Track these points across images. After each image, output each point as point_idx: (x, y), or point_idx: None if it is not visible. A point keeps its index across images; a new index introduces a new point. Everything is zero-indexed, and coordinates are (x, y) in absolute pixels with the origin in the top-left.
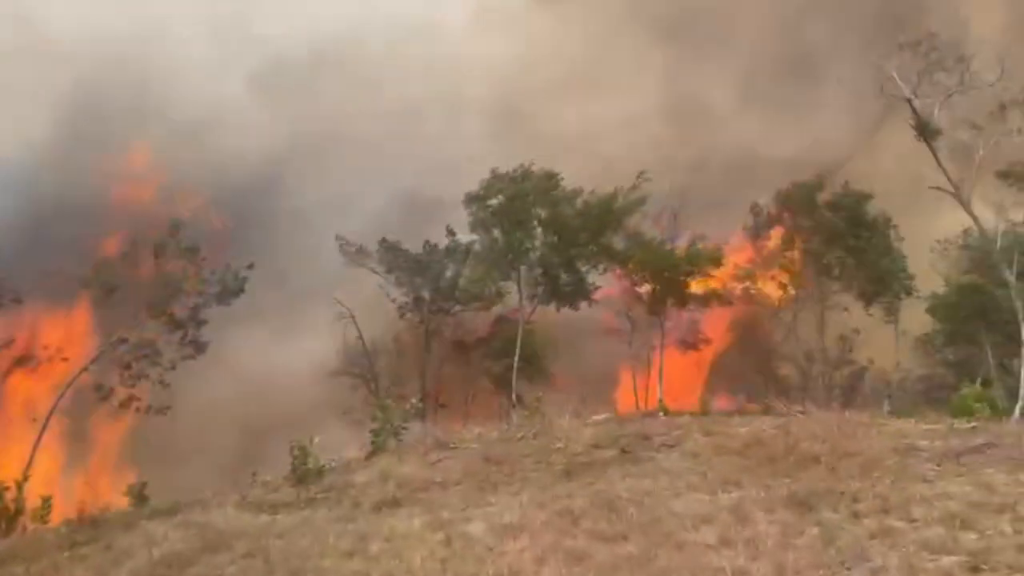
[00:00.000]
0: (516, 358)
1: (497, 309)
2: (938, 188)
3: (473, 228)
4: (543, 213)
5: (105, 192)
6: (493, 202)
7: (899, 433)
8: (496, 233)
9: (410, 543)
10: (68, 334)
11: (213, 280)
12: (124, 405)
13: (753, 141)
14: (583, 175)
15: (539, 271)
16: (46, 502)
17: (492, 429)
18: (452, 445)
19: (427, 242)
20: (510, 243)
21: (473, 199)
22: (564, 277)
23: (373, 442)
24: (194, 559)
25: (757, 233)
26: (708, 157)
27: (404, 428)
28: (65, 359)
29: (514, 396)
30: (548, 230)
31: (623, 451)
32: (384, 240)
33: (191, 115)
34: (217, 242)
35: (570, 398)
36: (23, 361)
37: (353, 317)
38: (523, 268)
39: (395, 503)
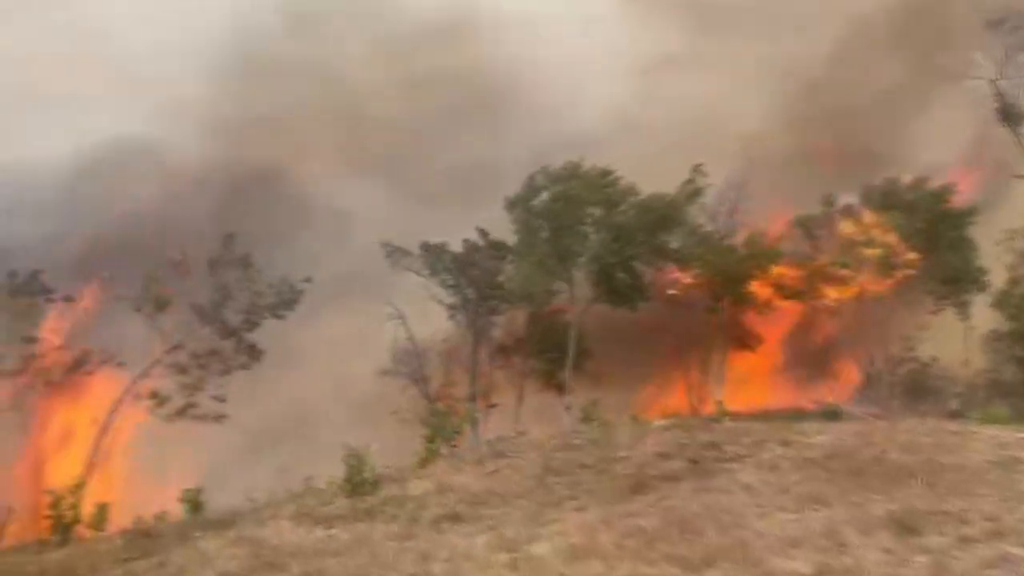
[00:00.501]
0: (570, 359)
1: (544, 308)
2: (1022, 176)
3: (518, 232)
4: (597, 212)
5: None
6: (540, 200)
7: (995, 442)
8: (543, 234)
9: (474, 565)
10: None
11: (270, 293)
12: (181, 412)
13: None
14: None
15: (595, 269)
16: (101, 510)
17: (549, 435)
18: (508, 453)
19: (466, 241)
20: (558, 244)
21: (515, 203)
22: (621, 277)
23: (427, 449)
24: None
25: (827, 225)
26: (768, 147)
27: (458, 434)
28: (121, 364)
29: (567, 399)
30: (602, 229)
31: (692, 462)
32: (425, 243)
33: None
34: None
35: (621, 399)
36: (79, 365)
37: (403, 318)
38: (574, 268)
39: (455, 518)
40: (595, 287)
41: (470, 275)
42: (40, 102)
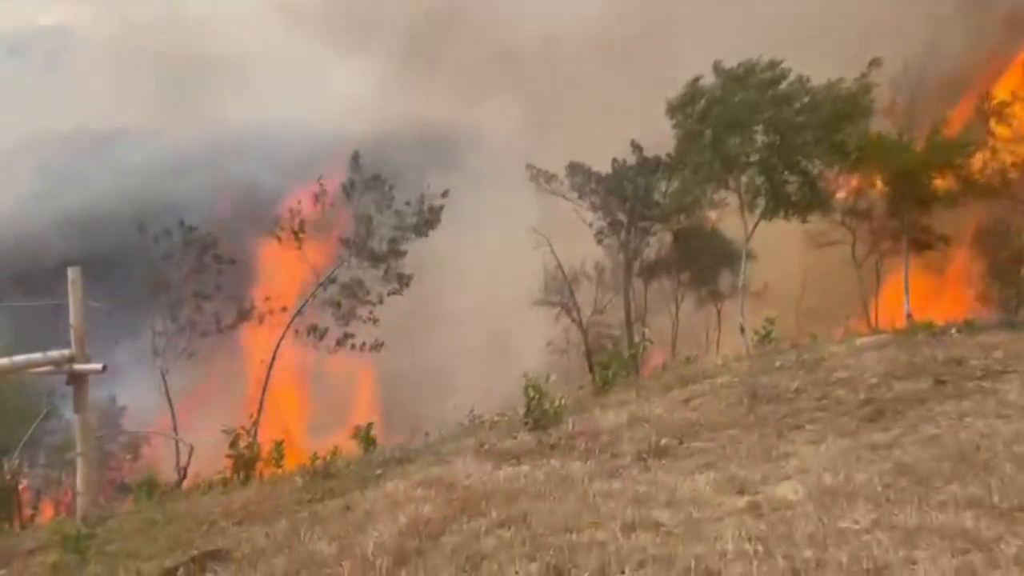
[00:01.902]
0: (743, 275)
1: (702, 222)
2: None
3: (680, 142)
4: (768, 113)
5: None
6: (704, 103)
7: None
8: (705, 140)
9: (708, 511)
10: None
11: (408, 212)
12: (340, 343)
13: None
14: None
15: (760, 179)
16: (278, 447)
17: (734, 358)
18: (697, 379)
19: (615, 160)
20: (721, 148)
21: (676, 108)
22: (792, 183)
23: (602, 377)
24: (444, 526)
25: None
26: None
27: (635, 359)
28: (284, 308)
29: (742, 319)
30: (770, 131)
31: (939, 381)
32: (572, 163)
33: None
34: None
35: (791, 317)
36: (246, 315)
37: (551, 246)
38: (743, 176)
39: (660, 453)
40: (765, 196)
41: (621, 194)
42: None
